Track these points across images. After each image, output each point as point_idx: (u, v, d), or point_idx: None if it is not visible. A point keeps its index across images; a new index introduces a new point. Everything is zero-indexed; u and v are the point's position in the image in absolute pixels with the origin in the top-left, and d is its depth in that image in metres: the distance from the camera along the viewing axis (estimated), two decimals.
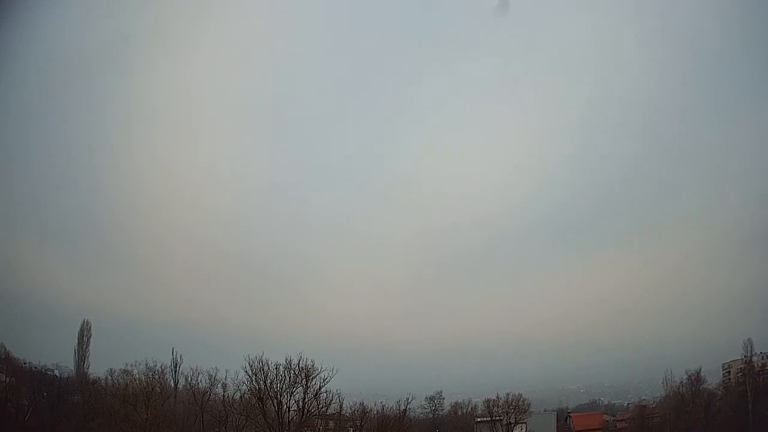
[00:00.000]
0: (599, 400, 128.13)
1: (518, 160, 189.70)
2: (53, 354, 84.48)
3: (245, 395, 62.18)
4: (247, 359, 57.77)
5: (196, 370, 72.98)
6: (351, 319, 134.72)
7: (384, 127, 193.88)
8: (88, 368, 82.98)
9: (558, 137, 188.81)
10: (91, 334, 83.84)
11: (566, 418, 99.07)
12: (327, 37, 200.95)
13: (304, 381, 59.36)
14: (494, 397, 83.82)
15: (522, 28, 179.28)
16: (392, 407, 75.88)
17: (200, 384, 72.38)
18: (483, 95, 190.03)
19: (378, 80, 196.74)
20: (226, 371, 69.29)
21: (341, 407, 70.83)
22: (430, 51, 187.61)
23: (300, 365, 58.99)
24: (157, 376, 66.34)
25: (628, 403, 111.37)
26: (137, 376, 67.13)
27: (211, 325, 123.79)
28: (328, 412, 68.52)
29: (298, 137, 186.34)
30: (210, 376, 72.12)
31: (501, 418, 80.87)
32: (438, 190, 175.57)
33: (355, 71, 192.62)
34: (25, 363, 75.40)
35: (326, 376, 59.68)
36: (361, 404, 75.45)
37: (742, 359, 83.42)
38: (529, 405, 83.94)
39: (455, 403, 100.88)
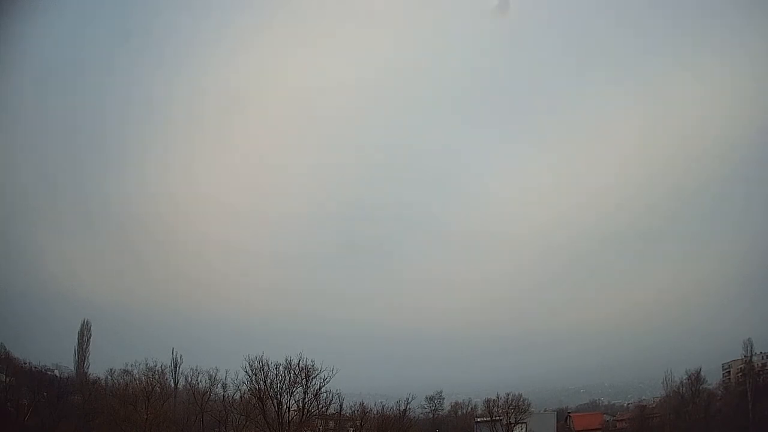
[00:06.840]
0: (599, 400, 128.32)
1: None
2: (53, 354, 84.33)
3: (245, 395, 62.22)
4: (247, 359, 57.96)
5: (196, 370, 72.42)
6: (350, 319, 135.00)
7: None
8: (88, 368, 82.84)
9: None
10: (91, 334, 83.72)
11: (566, 418, 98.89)
12: None
13: (304, 381, 59.40)
14: (494, 397, 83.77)
15: None
16: (392, 407, 75.77)
17: (200, 384, 71.89)
18: None
19: None
20: (226, 371, 68.94)
21: (341, 407, 70.92)
22: None
23: (300, 365, 59.13)
24: (157, 376, 66.06)
25: (628, 403, 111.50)
26: (137, 376, 67.00)
27: (211, 325, 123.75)
28: (328, 412, 68.51)
29: None
30: (210, 376, 71.57)
31: (501, 418, 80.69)
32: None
33: None
34: (25, 363, 75.11)
35: (326, 376, 59.83)
36: (361, 404, 75.52)
37: (742, 359, 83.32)
38: (529, 405, 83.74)
39: (455, 403, 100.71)
